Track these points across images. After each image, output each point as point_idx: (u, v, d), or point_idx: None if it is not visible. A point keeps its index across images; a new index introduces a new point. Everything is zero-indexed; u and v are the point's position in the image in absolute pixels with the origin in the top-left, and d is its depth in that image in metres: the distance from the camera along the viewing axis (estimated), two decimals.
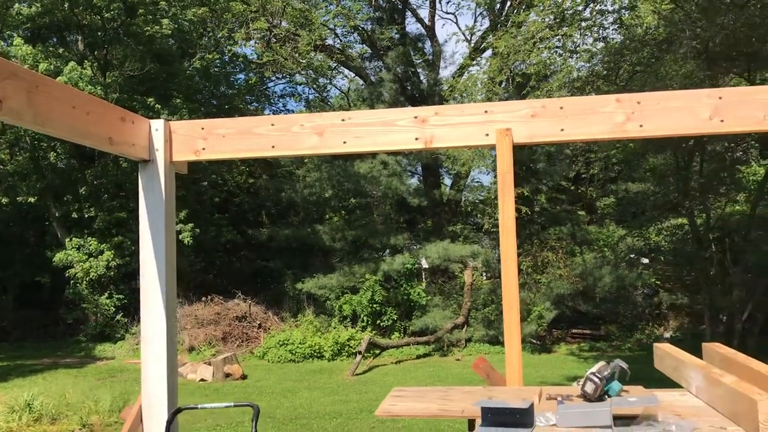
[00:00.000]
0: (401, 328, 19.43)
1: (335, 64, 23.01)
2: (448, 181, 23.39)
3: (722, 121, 3.05)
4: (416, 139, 3.30)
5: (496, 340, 19.21)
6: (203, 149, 3.58)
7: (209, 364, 14.85)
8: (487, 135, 3.23)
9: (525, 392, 2.78)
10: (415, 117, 3.31)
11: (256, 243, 22.05)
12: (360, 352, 15.83)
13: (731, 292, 12.72)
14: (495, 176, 23.57)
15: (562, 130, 3.18)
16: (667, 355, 3.19)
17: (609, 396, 2.67)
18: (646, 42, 12.05)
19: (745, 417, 2.19)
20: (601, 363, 2.72)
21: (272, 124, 3.43)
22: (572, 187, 23.54)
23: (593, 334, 20.54)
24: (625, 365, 2.74)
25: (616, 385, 2.67)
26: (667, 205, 14.89)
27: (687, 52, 11.46)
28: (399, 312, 19.45)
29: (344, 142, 3.32)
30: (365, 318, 19.13)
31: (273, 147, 3.42)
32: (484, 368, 3.28)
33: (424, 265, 22.10)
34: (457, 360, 17.64)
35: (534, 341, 19.33)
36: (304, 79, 23.87)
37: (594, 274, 19.32)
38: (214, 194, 22.83)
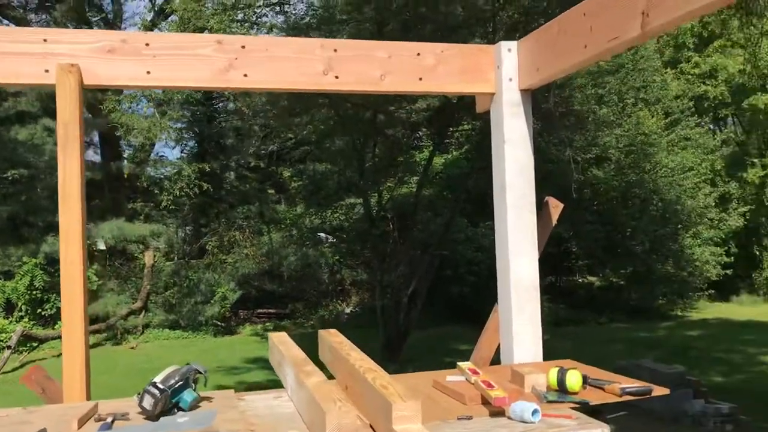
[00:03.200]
0: None
1: None
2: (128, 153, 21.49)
3: (337, 77, 2.66)
4: None
5: (177, 325, 18.21)
6: None
7: None
8: (47, 71, 2.43)
9: (73, 411, 2.08)
10: None
11: None
12: (9, 347, 13.65)
13: (399, 268, 13.48)
14: (181, 150, 22.34)
15: (148, 72, 2.51)
16: (274, 346, 2.74)
17: (183, 409, 2.10)
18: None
19: (317, 428, 1.76)
20: (171, 368, 2.13)
21: None
22: (262, 166, 23.33)
23: (279, 312, 20.62)
24: (202, 368, 2.19)
25: (189, 394, 2.10)
26: (347, 185, 15.32)
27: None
28: None
29: None
30: (23, 307, 16.68)
31: None
32: (38, 380, 2.51)
33: (102, 246, 20.09)
34: (132, 348, 16.29)
35: (219, 323, 18.74)
36: None
37: (280, 253, 19.34)
38: None
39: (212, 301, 18.21)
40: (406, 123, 20.05)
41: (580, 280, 24.44)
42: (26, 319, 16.45)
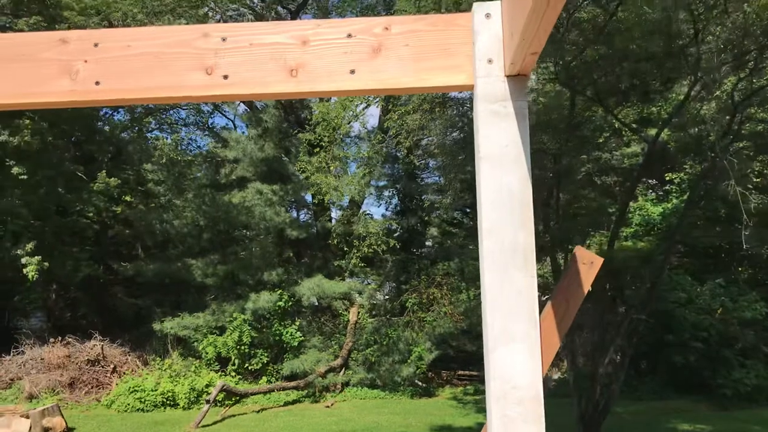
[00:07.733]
0: (273, 372, 17.87)
1: None
2: (336, 212, 22.12)
3: (226, 77, 1.85)
4: None
5: (376, 384, 17.88)
6: None
7: (27, 416, 12.97)
8: None
9: None
10: None
11: (123, 278, 20.24)
12: (208, 401, 14.21)
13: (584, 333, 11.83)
14: (388, 208, 22.49)
15: None
16: None
17: None
18: None
19: None
20: None
21: None
22: (466, 221, 22.65)
23: (480, 375, 19.42)
24: None
25: None
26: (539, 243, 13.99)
27: None
28: (271, 354, 17.90)
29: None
30: (236, 361, 17.50)
31: None
32: None
33: (314, 302, 20.71)
34: (327, 407, 16.18)
35: (419, 383, 18.08)
36: None
37: (477, 312, 18.30)
38: (82, 225, 20.95)
39: (408, 361, 17.66)
40: (617, 170, 18.21)
41: None
42: (233, 374, 17.19)
